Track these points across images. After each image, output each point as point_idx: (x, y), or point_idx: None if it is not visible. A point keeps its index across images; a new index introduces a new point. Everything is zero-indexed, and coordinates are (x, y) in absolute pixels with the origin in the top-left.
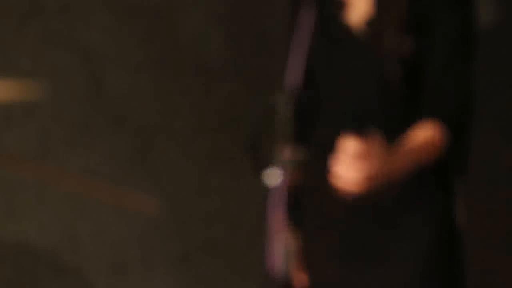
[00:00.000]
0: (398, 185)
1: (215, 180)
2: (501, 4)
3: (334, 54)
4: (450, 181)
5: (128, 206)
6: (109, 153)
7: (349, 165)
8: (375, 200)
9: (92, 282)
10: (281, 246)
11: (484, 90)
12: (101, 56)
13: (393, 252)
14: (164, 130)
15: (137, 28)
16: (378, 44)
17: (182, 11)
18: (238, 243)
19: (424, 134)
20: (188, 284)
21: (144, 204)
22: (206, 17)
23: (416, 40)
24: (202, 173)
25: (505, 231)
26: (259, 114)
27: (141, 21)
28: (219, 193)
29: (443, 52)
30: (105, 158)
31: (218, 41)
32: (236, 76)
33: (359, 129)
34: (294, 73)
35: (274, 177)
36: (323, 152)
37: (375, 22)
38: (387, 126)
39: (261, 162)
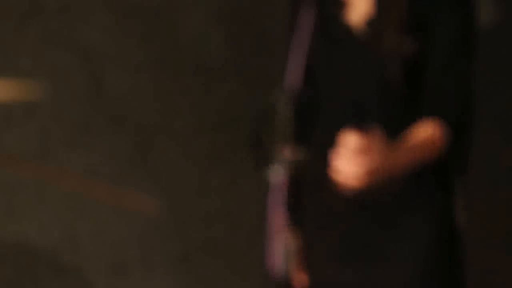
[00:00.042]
0: (398, 183)
1: (215, 180)
2: (501, 4)
3: (334, 54)
4: (450, 181)
5: (128, 206)
6: (109, 153)
7: (350, 160)
8: (375, 196)
9: (92, 282)
10: (281, 246)
11: (484, 90)
12: (101, 56)
13: (393, 252)
14: (164, 130)
15: (137, 28)
16: (378, 44)
17: (182, 11)
18: (238, 243)
19: (425, 132)
20: (188, 284)
21: (144, 204)
22: (206, 17)
23: (416, 40)
24: (202, 173)
25: (505, 231)
26: (259, 113)
27: (141, 21)
28: (219, 193)
29: (443, 52)
30: (105, 158)
31: (218, 41)
32: (236, 76)
33: (360, 124)
34: (294, 73)
35: (275, 174)
36: (323, 152)
37: (375, 22)
38: (387, 126)
39: (263, 159)
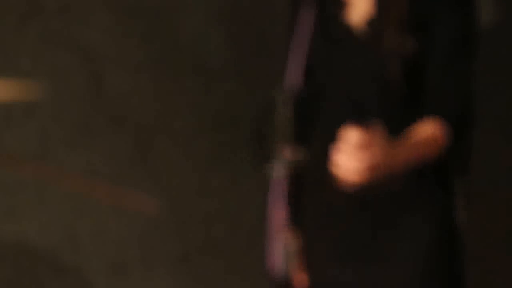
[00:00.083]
0: (399, 181)
1: (215, 180)
2: (501, 4)
3: (334, 54)
4: (450, 180)
5: (128, 206)
6: (109, 153)
7: (351, 155)
8: (376, 192)
9: (92, 282)
10: (281, 246)
11: (484, 90)
12: (101, 56)
13: (393, 252)
14: (164, 130)
15: (137, 28)
16: (379, 44)
17: (182, 11)
18: (238, 243)
19: (426, 131)
20: (188, 284)
21: (144, 204)
22: (206, 17)
23: (416, 40)
24: (202, 173)
25: (505, 231)
26: (259, 113)
27: (141, 21)
28: (219, 193)
29: (443, 52)
30: (105, 158)
31: (218, 41)
32: (236, 76)
33: (361, 120)
34: (294, 73)
35: (275, 172)
36: (323, 151)
37: (375, 22)
38: (387, 125)
39: (263, 157)
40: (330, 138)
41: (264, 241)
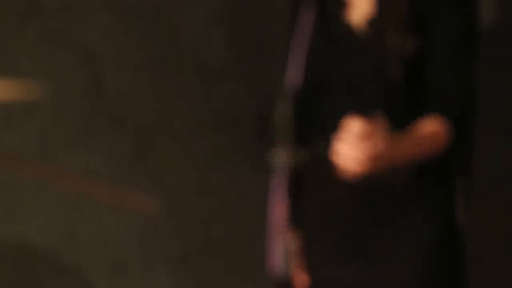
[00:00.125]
0: (400, 177)
1: (215, 180)
2: (501, 4)
3: (334, 54)
4: (451, 180)
5: (128, 206)
6: (109, 153)
7: (352, 145)
8: (377, 186)
9: (92, 282)
10: (281, 246)
11: (484, 90)
12: (101, 56)
13: (393, 252)
14: (164, 130)
15: (137, 28)
16: (379, 44)
17: (182, 11)
18: (238, 243)
19: (427, 128)
20: (188, 284)
21: (144, 204)
22: (206, 17)
23: (417, 39)
24: (202, 173)
25: (505, 231)
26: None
27: (141, 21)
28: (219, 193)
29: (443, 51)
30: (105, 158)
31: (218, 41)
32: (236, 76)
33: (363, 111)
34: (294, 73)
35: (276, 170)
36: (324, 151)
37: (376, 21)
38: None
39: (264, 155)
40: (330, 137)
41: (264, 241)
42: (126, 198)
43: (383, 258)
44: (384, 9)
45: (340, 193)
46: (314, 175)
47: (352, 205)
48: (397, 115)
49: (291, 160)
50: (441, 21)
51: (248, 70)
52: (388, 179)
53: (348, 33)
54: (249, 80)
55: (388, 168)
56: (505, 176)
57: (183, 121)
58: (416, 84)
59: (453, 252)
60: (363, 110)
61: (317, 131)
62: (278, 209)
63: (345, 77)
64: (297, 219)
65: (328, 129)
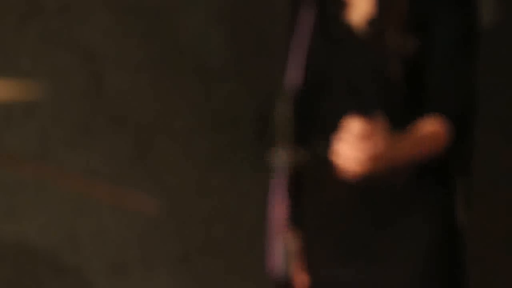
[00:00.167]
0: (399, 178)
1: (215, 180)
2: (501, 4)
3: (334, 54)
4: (451, 180)
5: (128, 206)
6: (109, 153)
7: (352, 144)
8: (377, 186)
9: (92, 282)
10: (281, 246)
11: (484, 90)
12: (101, 56)
13: (393, 252)
14: (164, 130)
15: (137, 28)
16: (379, 44)
17: (182, 11)
18: (238, 243)
19: (428, 128)
20: (188, 284)
21: (144, 204)
22: (206, 17)
23: (417, 39)
24: (202, 173)
25: (505, 231)
26: (260, 110)
27: (141, 21)
28: (219, 193)
29: (443, 51)
30: (105, 158)
31: (218, 41)
32: (236, 76)
33: (363, 111)
34: (294, 73)
35: (276, 170)
36: (324, 151)
37: (376, 21)
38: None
39: (264, 155)
40: (330, 137)
41: (264, 241)
42: (126, 198)
43: (383, 258)
44: (384, 9)
45: (340, 193)
46: (314, 175)
47: (352, 205)
48: (397, 115)
49: (291, 160)
50: (441, 21)
51: (248, 70)
52: (388, 179)
53: (348, 33)
54: (249, 80)
55: (388, 168)
56: (505, 176)
57: (183, 121)
58: (416, 84)
59: (453, 252)
60: (363, 110)
61: (317, 131)
62: (278, 209)
63: (345, 77)
64: (297, 219)
65: (328, 129)
